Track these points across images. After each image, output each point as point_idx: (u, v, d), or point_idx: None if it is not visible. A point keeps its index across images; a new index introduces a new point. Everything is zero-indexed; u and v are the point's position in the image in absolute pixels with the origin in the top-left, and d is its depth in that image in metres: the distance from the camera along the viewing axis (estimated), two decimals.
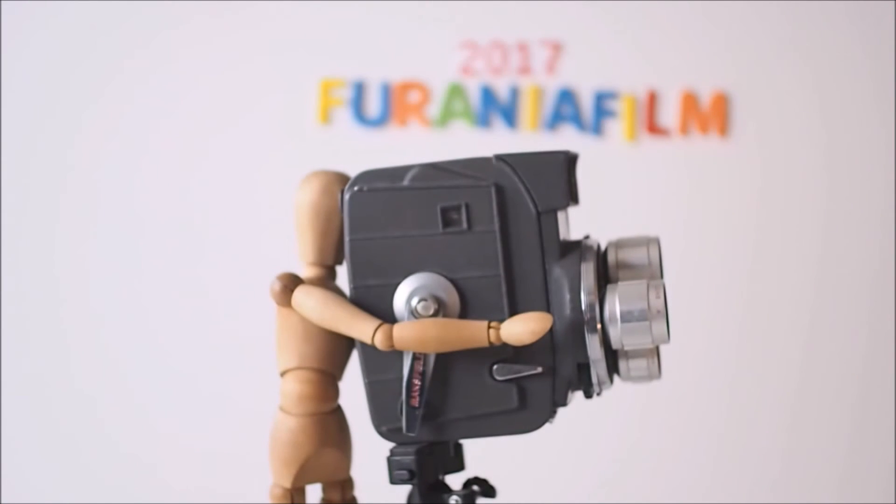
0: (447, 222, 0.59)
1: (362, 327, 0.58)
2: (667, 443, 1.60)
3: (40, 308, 1.60)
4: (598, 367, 0.58)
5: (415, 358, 0.58)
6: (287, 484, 0.62)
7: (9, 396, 1.60)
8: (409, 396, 0.58)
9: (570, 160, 0.60)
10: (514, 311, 0.58)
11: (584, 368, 0.59)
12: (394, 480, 0.60)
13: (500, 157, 0.59)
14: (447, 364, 0.59)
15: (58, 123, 1.59)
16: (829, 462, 1.59)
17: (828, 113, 1.56)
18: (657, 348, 0.59)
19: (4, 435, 1.60)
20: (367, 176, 0.60)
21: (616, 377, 0.60)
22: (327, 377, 0.61)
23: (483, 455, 0.70)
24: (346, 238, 0.60)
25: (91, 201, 1.59)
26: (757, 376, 1.59)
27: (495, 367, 0.59)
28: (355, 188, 0.59)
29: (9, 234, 1.59)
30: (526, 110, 1.55)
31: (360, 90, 1.56)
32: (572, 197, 0.60)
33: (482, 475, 0.64)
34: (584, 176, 0.64)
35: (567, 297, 0.58)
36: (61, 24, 1.58)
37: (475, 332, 0.57)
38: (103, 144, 1.59)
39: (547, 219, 0.58)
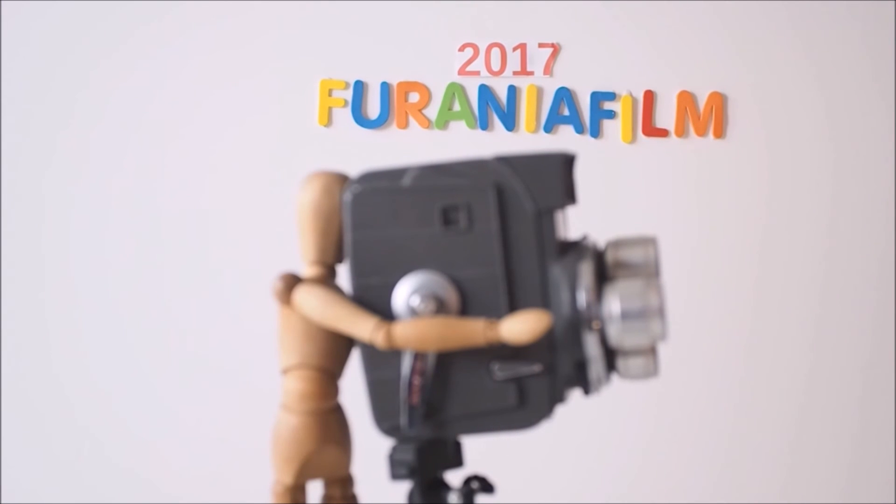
0: (447, 222, 0.59)
1: (362, 326, 0.59)
2: (668, 441, 1.60)
3: (30, 310, 1.61)
4: (596, 366, 0.58)
5: (415, 356, 0.59)
6: (289, 481, 0.62)
7: (8, 399, 1.60)
8: (409, 394, 0.59)
9: (568, 161, 0.60)
10: (513, 310, 0.59)
11: (582, 367, 0.59)
12: (394, 477, 0.61)
13: (499, 158, 0.60)
14: (447, 362, 0.59)
15: (61, 124, 1.59)
16: (834, 462, 1.59)
17: (827, 114, 1.57)
18: (655, 346, 0.60)
19: (4, 437, 1.60)
20: (368, 176, 0.60)
21: (614, 375, 0.61)
22: (328, 375, 0.61)
23: (483, 452, 0.71)
24: (347, 238, 0.60)
25: (91, 203, 1.60)
26: (756, 377, 1.59)
27: (494, 365, 0.59)
28: (356, 188, 0.60)
29: (7, 236, 1.60)
30: (524, 111, 1.56)
31: (360, 91, 1.56)
32: (570, 197, 0.60)
33: (481, 472, 0.64)
34: (583, 176, 0.65)
35: (565, 295, 0.58)
36: (61, 26, 1.58)
37: (474, 331, 0.58)
38: (104, 147, 1.59)
39: (545, 219, 0.59)
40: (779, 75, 1.56)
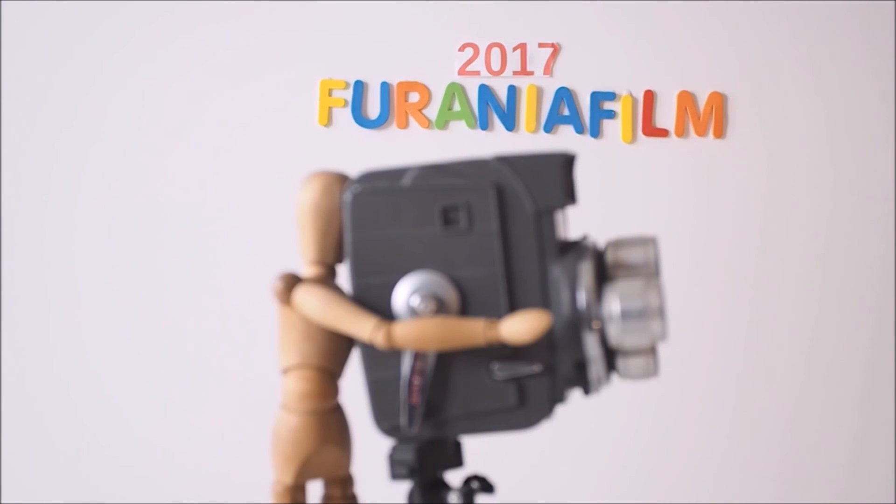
0: (447, 222, 0.59)
1: (362, 326, 0.59)
2: (667, 441, 1.60)
3: (32, 309, 1.61)
4: (596, 366, 0.58)
5: (415, 356, 0.59)
6: (289, 480, 0.62)
7: (9, 398, 1.60)
8: (409, 394, 0.59)
9: (568, 161, 0.60)
10: (513, 310, 0.59)
11: (582, 367, 0.59)
12: (394, 477, 0.61)
13: (499, 158, 0.60)
14: (447, 362, 0.59)
15: (62, 126, 1.60)
16: (833, 462, 1.59)
17: (827, 114, 1.57)
18: (655, 346, 0.60)
19: (5, 436, 1.60)
20: (368, 176, 0.60)
21: (614, 375, 0.61)
22: (328, 375, 0.61)
23: (483, 452, 0.71)
24: (347, 238, 0.60)
25: (92, 203, 1.60)
26: (756, 377, 1.59)
27: (494, 365, 0.59)
28: (356, 188, 0.60)
29: (6, 235, 1.60)
30: (524, 111, 1.56)
31: (360, 91, 1.56)
32: (570, 197, 0.60)
33: (481, 472, 0.64)
34: (583, 176, 0.65)
35: (565, 295, 0.58)
36: (63, 26, 1.58)
37: (474, 331, 0.58)
38: (105, 148, 1.59)
39: (545, 218, 0.59)
40: (779, 75, 1.56)
